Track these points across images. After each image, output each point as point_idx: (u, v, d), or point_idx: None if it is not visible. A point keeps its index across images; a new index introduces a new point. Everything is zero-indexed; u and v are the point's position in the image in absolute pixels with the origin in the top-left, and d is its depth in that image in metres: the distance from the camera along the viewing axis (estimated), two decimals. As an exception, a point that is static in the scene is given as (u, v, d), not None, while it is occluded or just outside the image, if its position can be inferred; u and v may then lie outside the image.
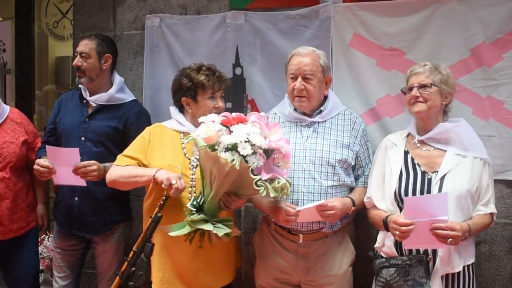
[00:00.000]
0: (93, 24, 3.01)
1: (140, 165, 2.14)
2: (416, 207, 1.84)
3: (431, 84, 1.99)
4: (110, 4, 2.98)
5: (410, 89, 2.03)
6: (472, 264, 2.01)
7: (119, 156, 2.20)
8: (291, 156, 2.10)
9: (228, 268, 2.26)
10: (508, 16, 2.30)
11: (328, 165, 2.13)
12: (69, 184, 2.40)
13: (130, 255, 1.72)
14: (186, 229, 1.90)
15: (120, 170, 2.13)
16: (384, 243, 2.04)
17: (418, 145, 2.07)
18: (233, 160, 1.75)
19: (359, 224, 2.43)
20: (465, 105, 2.34)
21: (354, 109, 2.39)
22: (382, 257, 2.05)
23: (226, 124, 1.83)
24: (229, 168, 1.77)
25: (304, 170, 2.13)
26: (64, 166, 2.29)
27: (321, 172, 2.13)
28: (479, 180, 1.99)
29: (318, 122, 2.21)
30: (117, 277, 1.71)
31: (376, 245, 2.09)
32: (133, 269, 1.68)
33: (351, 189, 2.23)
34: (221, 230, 1.88)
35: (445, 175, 1.96)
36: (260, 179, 1.78)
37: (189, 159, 2.15)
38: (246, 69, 2.63)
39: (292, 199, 2.11)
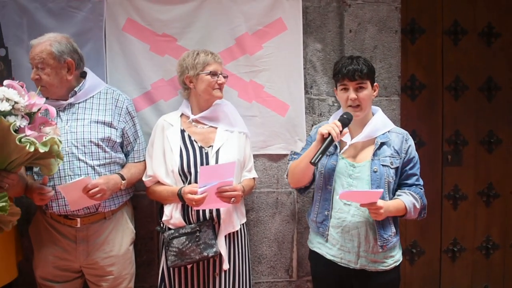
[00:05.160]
0: None
1: None
2: (209, 174, 2.05)
3: (226, 76, 2.34)
4: None
5: (215, 74, 2.24)
6: (244, 223, 2.33)
7: None
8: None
9: (7, 265, 2.11)
10: (267, 10, 2.61)
11: (91, 145, 2.13)
12: None
13: None
14: None
15: None
16: (172, 215, 2.17)
17: (193, 123, 2.29)
18: None
19: (138, 203, 2.49)
20: (232, 89, 2.58)
21: (128, 92, 2.43)
22: (170, 229, 2.17)
23: None
24: None
25: (68, 154, 2.10)
26: None
27: (85, 153, 2.12)
28: (244, 150, 2.32)
29: (78, 103, 2.18)
30: None
31: (164, 218, 2.20)
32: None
33: (123, 166, 2.28)
34: None
35: (219, 148, 2.22)
36: (25, 136, 1.70)
37: None
38: (11, 50, 2.43)
39: (61, 184, 2.07)
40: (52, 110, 1.87)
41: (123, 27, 2.51)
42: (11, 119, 1.70)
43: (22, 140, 1.69)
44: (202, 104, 2.29)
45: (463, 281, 3.14)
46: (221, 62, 2.31)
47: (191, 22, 2.56)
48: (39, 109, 1.81)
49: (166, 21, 2.54)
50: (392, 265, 2.07)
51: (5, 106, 1.68)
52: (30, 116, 1.78)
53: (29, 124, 1.77)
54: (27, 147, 1.68)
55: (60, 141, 1.84)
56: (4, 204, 1.77)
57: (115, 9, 2.51)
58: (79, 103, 2.19)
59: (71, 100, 2.17)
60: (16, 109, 1.72)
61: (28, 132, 1.72)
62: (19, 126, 1.71)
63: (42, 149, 1.72)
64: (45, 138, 1.76)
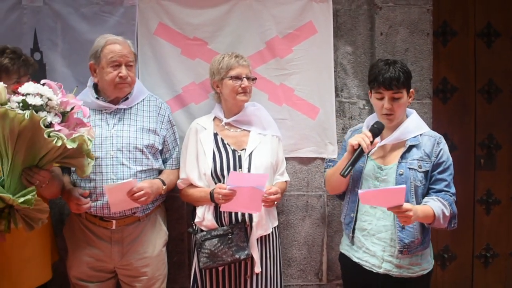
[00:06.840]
0: None
1: None
2: (238, 179, 2.05)
3: (255, 78, 2.32)
4: None
5: (238, 78, 2.22)
6: (276, 226, 2.33)
7: None
8: (98, 145, 2.12)
9: (42, 266, 2.14)
10: (297, 13, 2.61)
11: (136, 151, 2.16)
12: None
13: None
14: None
15: None
16: (205, 217, 2.19)
17: (226, 127, 2.30)
18: (24, 112, 1.67)
19: (169, 205, 2.51)
20: (262, 92, 2.59)
21: (160, 96, 2.45)
22: (202, 231, 2.18)
23: (17, 88, 1.75)
24: (21, 125, 1.68)
25: (112, 158, 2.13)
26: None
27: (129, 158, 2.14)
28: (277, 154, 2.33)
29: (124, 109, 2.21)
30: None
31: (197, 220, 2.21)
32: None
33: (160, 173, 2.30)
34: (19, 198, 1.73)
35: (252, 152, 2.23)
36: (54, 130, 1.71)
37: None
38: (46, 54, 2.48)
39: (102, 186, 2.09)
40: (86, 110, 1.89)
41: (155, 31, 2.54)
42: (42, 114, 1.72)
43: (51, 134, 1.70)
44: (232, 107, 2.30)
45: (496, 287, 3.07)
46: (247, 65, 2.28)
47: (221, 26, 2.57)
48: (72, 108, 1.82)
49: (197, 25, 2.56)
50: (419, 273, 2.01)
51: (37, 101, 1.70)
52: (64, 114, 1.80)
53: (61, 122, 1.78)
54: (54, 142, 1.69)
55: (90, 140, 1.83)
56: (30, 197, 1.74)
57: (146, 13, 2.54)
58: (125, 109, 2.22)
59: (121, 105, 2.20)
60: (50, 106, 1.74)
61: (57, 127, 1.73)
62: (50, 122, 1.73)
63: (69, 145, 1.72)
64: (75, 135, 1.77)
